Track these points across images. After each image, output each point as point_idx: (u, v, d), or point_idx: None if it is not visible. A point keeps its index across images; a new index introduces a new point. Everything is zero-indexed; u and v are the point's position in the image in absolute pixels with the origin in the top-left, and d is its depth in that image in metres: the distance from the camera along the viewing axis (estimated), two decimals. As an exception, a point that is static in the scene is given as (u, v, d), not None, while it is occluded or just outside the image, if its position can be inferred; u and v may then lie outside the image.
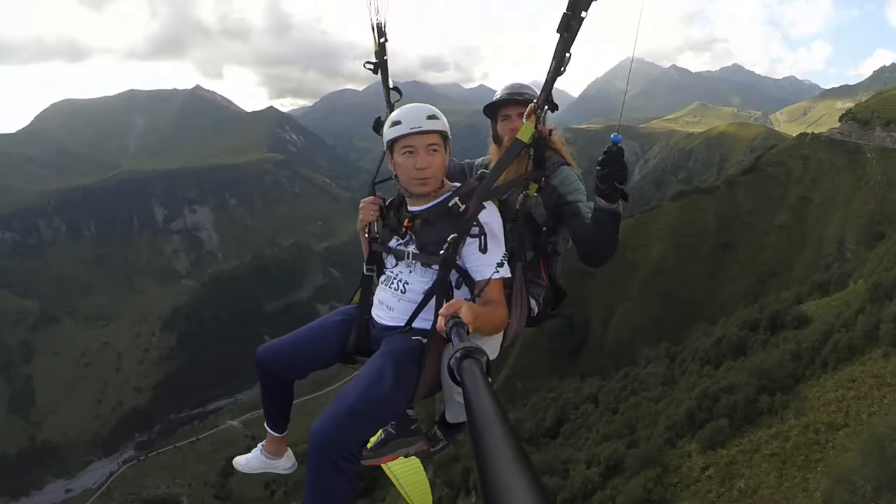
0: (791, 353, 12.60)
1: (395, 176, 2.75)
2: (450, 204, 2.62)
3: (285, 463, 3.26)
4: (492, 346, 2.75)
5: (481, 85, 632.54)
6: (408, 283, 2.73)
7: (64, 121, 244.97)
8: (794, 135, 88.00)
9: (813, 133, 75.80)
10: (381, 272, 2.93)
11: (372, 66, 3.33)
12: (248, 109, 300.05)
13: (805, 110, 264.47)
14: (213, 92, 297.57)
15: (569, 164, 3.12)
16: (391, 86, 3.29)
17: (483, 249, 2.58)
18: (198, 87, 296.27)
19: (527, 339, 43.78)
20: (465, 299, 2.49)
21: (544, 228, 3.06)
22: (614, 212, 2.63)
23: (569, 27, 2.42)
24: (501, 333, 2.80)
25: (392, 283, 2.79)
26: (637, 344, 38.94)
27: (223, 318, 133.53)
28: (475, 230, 2.59)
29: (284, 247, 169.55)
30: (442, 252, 2.56)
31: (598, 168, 2.51)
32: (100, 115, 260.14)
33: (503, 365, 43.32)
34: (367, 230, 2.94)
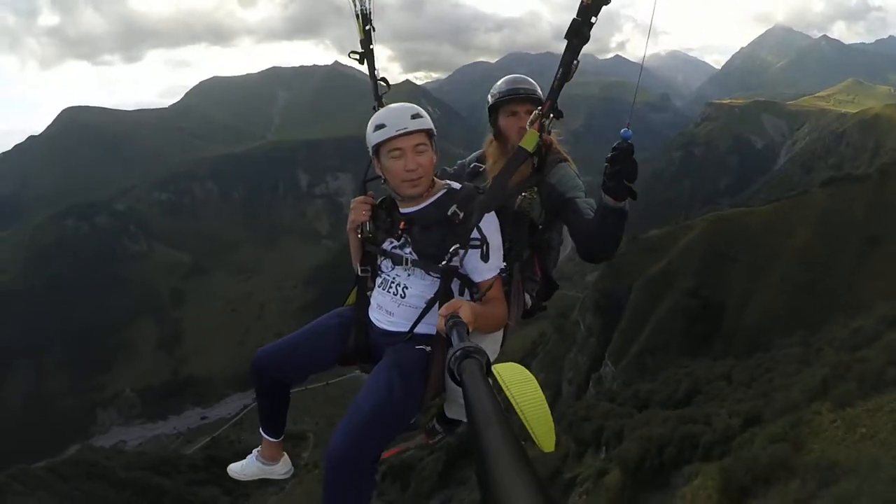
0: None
1: (385, 180, 2.71)
2: (449, 213, 2.58)
3: (281, 468, 3.25)
4: (492, 346, 2.81)
5: (617, 56, 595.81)
6: (407, 288, 2.72)
7: (212, 96, 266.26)
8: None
9: None
10: (374, 273, 2.93)
11: (357, 56, 3.33)
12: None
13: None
14: (350, 67, 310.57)
15: (566, 161, 3.09)
16: (378, 77, 3.29)
17: (485, 258, 2.58)
18: (336, 64, 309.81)
19: (661, 317, 43.61)
20: (466, 298, 2.59)
21: (539, 226, 3.04)
22: (621, 210, 2.52)
23: (579, 33, 2.38)
24: (502, 332, 2.84)
25: (390, 286, 2.78)
26: (772, 334, 37.51)
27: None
28: (476, 240, 2.57)
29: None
30: (444, 263, 2.56)
31: (606, 164, 2.41)
32: (245, 91, 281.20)
33: (635, 341, 43.26)
34: (359, 230, 2.90)
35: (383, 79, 3.29)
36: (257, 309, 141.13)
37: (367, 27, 3.26)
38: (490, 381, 1.37)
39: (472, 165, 3.36)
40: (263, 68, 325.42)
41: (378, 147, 2.61)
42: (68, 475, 43.57)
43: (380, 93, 3.25)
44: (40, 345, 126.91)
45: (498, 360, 2.18)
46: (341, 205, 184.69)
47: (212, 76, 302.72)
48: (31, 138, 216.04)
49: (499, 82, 3.21)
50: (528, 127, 2.71)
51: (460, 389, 1.32)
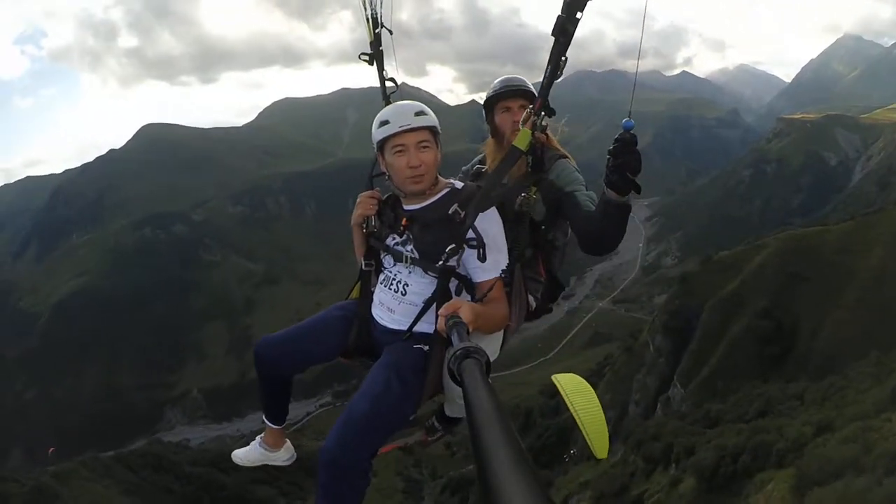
0: None
1: (388, 176, 2.73)
2: (450, 212, 2.59)
3: (284, 455, 3.29)
4: (492, 346, 2.80)
5: (683, 72, 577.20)
6: (408, 286, 2.73)
7: (285, 116, 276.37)
8: None
9: None
10: (378, 268, 2.94)
11: (367, 58, 3.38)
12: (451, 104, 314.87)
13: None
14: (417, 88, 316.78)
15: (566, 157, 3.10)
16: (387, 77, 3.37)
17: (482, 258, 2.60)
18: (404, 84, 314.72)
19: (732, 339, 43.11)
20: (466, 299, 2.61)
21: (542, 226, 3.05)
22: (625, 205, 2.52)
23: (564, 30, 2.38)
24: (502, 332, 2.85)
25: (392, 283, 2.79)
26: (846, 356, 36.77)
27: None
28: (473, 240, 2.59)
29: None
30: (440, 263, 2.57)
31: (608, 157, 2.39)
32: (316, 111, 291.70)
33: (706, 363, 43.00)
34: (363, 225, 2.92)
35: (391, 79, 3.39)
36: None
37: (377, 30, 3.31)
38: (490, 381, 1.36)
39: (475, 168, 3.41)
40: (334, 90, 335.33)
41: (382, 143, 2.65)
42: (136, 466, 45.97)
43: (388, 93, 3.34)
44: (115, 342, 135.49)
45: (500, 359, 2.62)
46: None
47: (284, 97, 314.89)
48: (112, 151, 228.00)
49: (496, 80, 3.26)
50: (520, 126, 2.73)
51: (459, 389, 1.34)
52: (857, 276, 43.24)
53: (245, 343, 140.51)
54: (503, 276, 2.65)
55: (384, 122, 2.62)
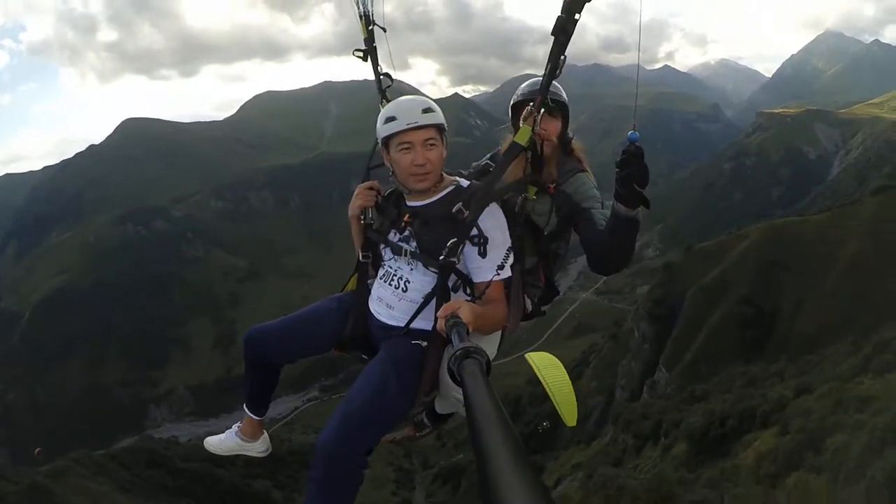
0: None
1: (392, 172, 2.71)
2: (454, 210, 2.58)
3: (260, 446, 3.22)
4: (491, 347, 2.81)
5: (665, 66, 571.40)
6: (409, 282, 2.71)
7: (266, 109, 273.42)
8: None
9: None
10: (376, 262, 2.94)
11: (361, 54, 3.38)
12: (434, 97, 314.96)
13: None
14: (400, 81, 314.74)
15: (585, 171, 3.08)
16: (381, 72, 3.36)
17: (483, 254, 2.58)
18: (386, 78, 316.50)
19: (714, 325, 44.36)
20: (465, 299, 2.59)
21: (546, 233, 3.03)
22: (633, 219, 2.49)
23: (564, 30, 2.42)
24: (500, 333, 2.85)
25: (392, 279, 2.76)
26: (824, 340, 37.85)
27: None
28: (475, 236, 2.58)
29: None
30: (441, 258, 2.55)
31: (616, 170, 2.38)
32: (299, 104, 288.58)
33: (689, 348, 44.17)
34: (361, 217, 2.92)
35: (386, 73, 3.37)
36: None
37: (370, 27, 3.33)
38: (491, 380, 1.33)
39: (483, 164, 3.36)
40: (316, 82, 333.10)
41: (388, 139, 2.63)
42: (128, 463, 45.97)
43: (383, 87, 3.31)
44: (99, 339, 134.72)
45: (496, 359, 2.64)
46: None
47: (266, 90, 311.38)
48: (92, 147, 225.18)
49: (523, 84, 3.22)
50: (521, 123, 2.79)
51: (455, 386, 1.35)
52: (836, 264, 44.48)
53: (230, 338, 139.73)
54: (501, 274, 2.62)
55: (391, 118, 2.60)
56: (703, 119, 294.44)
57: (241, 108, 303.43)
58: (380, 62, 3.40)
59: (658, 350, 47.26)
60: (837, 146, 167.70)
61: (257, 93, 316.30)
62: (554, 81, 2.88)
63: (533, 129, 2.73)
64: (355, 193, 2.94)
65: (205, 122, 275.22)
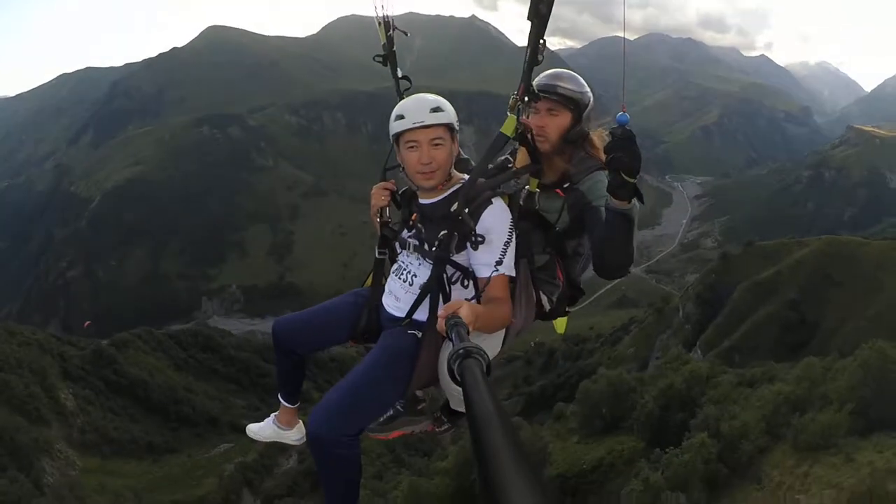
0: None
1: (403, 169, 2.74)
2: (451, 209, 2.59)
3: (295, 434, 3.31)
4: (492, 345, 2.78)
5: (762, 55, 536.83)
6: (416, 276, 2.77)
7: (347, 33, 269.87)
8: None
9: None
10: (392, 258, 2.99)
11: (381, 59, 3.40)
12: (519, 44, 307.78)
13: None
14: (486, 23, 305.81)
15: (604, 169, 2.67)
16: (400, 75, 3.34)
17: (474, 247, 2.58)
18: (474, 17, 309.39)
19: (757, 321, 45.10)
20: (469, 298, 2.62)
21: (559, 231, 2.97)
22: (624, 214, 2.37)
23: (538, 12, 2.29)
24: (503, 331, 2.83)
25: (402, 273, 2.83)
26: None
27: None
28: (469, 231, 2.57)
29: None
30: (433, 248, 2.64)
31: (604, 154, 2.32)
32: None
33: (728, 336, 45.18)
34: (378, 215, 2.96)
35: (405, 77, 3.33)
36: (367, 237, 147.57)
37: (389, 33, 3.34)
38: (491, 379, 1.34)
39: (503, 159, 3.25)
40: (401, 12, 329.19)
41: (397, 137, 2.64)
42: (186, 344, 49.67)
43: (401, 89, 3.27)
44: (162, 232, 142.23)
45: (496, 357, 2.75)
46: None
47: (350, 14, 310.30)
48: (175, 49, 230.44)
49: (541, 74, 3.00)
50: (508, 113, 2.71)
51: (455, 385, 1.36)
52: (886, 292, 44.40)
53: (287, 247, 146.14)
54: (500, 270, 2.61)
55: (399, 117, 2.61)
56: (791, 120, 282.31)
57: (324, 28, 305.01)
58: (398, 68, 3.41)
59: (698, 332, 48.61)
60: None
61: (342, 15, 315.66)
62: (569, 71, 3.00)
63: (518, 120, 2.73)
64: (371, 194, 2.99)
65: (287, 38, 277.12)
